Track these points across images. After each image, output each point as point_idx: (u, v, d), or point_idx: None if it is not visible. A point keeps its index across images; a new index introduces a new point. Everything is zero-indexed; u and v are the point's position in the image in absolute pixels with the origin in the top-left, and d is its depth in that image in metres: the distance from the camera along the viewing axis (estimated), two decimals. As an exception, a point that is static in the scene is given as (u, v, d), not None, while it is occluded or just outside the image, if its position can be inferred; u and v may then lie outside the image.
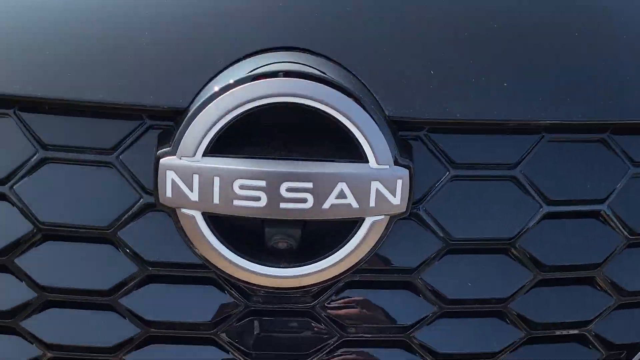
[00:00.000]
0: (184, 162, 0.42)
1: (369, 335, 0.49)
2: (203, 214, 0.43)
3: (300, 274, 0.45)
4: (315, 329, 0.48)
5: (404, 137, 0.46)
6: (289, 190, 0.42)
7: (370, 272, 0.47)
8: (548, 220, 0.48)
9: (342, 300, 0.47)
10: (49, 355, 0.47)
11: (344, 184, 0.42)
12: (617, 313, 0.51)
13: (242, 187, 0.41)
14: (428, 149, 0.47)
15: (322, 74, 0.43)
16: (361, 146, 0.43)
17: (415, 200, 0.46)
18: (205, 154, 0.42)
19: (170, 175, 0.43)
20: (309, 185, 0.42)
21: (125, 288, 0.46)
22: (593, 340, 0.51)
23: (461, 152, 0.47)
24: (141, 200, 0.45)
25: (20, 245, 0.45)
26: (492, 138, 0.48)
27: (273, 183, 0.42)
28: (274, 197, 0.42)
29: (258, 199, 0.42)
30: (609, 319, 0.51)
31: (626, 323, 0.52)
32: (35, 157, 0.45)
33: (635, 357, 0.52)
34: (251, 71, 0.43)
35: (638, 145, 0.50)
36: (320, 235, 0.46)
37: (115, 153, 0.45)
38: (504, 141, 0.48)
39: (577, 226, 0.49)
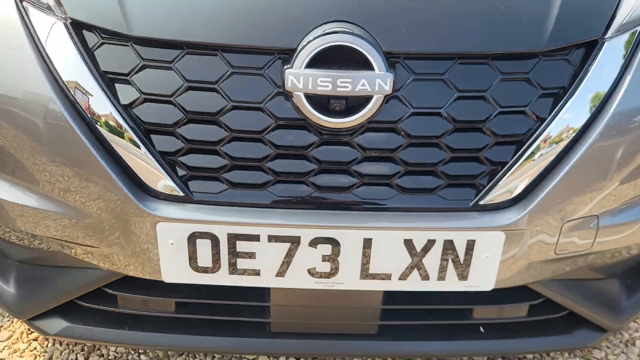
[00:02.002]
0: (296, 71, 0.98)
1: (376, 154, 1.05)
2: (304, 95, 0.99)
3: (345, 121, 1.01)
4: (351, 150, 1.05)
5: (392, 60, 1.01)
6: (341, 82, 0.97)
7: (376, 123, 1.03)
8: (460, 101, 1.03)
9: (363, 135, 1.04)
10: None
11: (364, 79, 0.97)
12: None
13: (321, 81, 0.97)
14: (402, 66, 1.02)
15: (352, 32, 0.98)
16: (371, 64, 0.98)
17: (396, 88, 1.01)
18: (305, 67, 0.98)
19: (290, 77, 0.98)
20: (349, 87, 0.98)
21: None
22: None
23: (418, 67, 1.02)
24: (275, 89, 1.01)
25: None
26: (434, 60, 1.02)
27: (334, 80, 0.97)
28: (334, 86, 0.97)
29: (327, 86, 0.98)
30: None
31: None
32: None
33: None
34: (323, 32, 0.98)
35: (507, 64, 1.04)
36: (355, 106, 1.02)
37: (264, 69, 1.01)
38: (440, 62, 1.03)
39: (474, 103, 1.04)
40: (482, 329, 1.26)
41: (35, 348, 1.70)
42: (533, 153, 1.04)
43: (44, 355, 1.68)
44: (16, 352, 1.68)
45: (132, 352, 1.69)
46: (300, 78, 0.96)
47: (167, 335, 1.22)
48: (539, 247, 1.09)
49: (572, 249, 1.12)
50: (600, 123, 1.04)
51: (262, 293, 1.18)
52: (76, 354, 1.68)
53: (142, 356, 1.68)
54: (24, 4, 1.05)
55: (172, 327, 1.23)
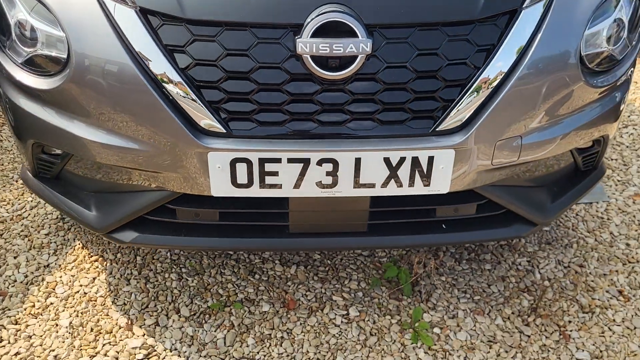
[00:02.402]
0: (304, 39, 1.38)
1: (361, 97, 1.47)
2: (310, 56, 1.40)
3: (339, 74, 1.41)
4: (344, 95, 1.46)
5: (370, 29, 1.42)
6: (335, 47, 1.37)
7: (361, 75, 1.45)
8: (419, 57, 1.45)
9: (352, 84, 1.45)
10: None
11: (352, 44, 1.38)
12: None
13: (322, 46, 1.38)
14: (378, 34, 1.43)
15: (342, 11, 1.39)
16: (356, 32, 1.39)
17: (374, 50, 1.42)
18: (310, 37, 1.38)
19: (300, 44, 1.39)
20: (341, 49, 1.39)
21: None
22: None
23: (389, 34, 1.43)
24: (289, 53, 1.42)
25: None
26: (400, 28, 1.43)
27: (330, 45, 1.38)
28: (331, 49, 1.38)
29: (326, 50, 1.38)
30: None
31: None
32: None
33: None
34: (321, 12, 1.39)
35: (452, 29, 1.45)
36: (345, 63, 1.42)
37: (280, 39, 1.42)
38: (405, 30, 1.44)
39: (430, 58, 1.46)
40: (444, 226, 1.72)
41: (97, 267, 2.14)
42: (473, 92, 1.47)
43: (105, 272, 2.12)
44: (82, 270, 2.13)
45: (175, 266, 2.14)
46: (307, 45, 1.38)
47: (211, 239, 1.66)
48: (479, 160, 1.54)
49: (503, 160, 1.56)
50: (518, 69, 1.47)
51: (282, 203, 1.61)
52: (130, 270, 2.13)
53: (182, 269, 2.13)
54: (102, -3, 1.45)
55: (215, 232, 1.67)
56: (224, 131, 1.47)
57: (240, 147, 1.47)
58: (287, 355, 1.83)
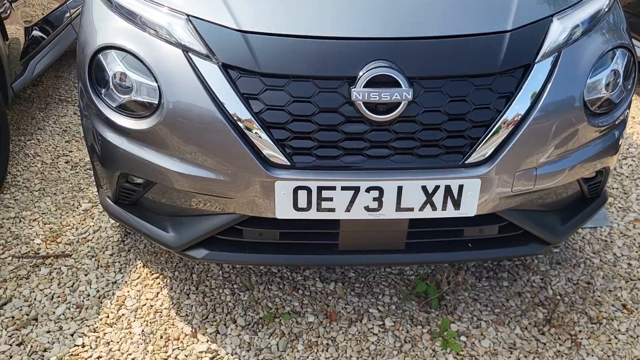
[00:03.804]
0: (358, 89, 1.67)
1: (403, 135, 1.76)
2: (363, 103, 1.70)
3: (386, 117, 1.70)
4: (389, 133, 1.75)
5: (411, 81, 1.71)
6: (383, 95, 1.68)
7: (403, 117, 1.75)
8: (451, 102, 1.75)
9: (396, 125, 1.74)
10: None
11: (397, 92, 1.68)
12: None
13: (372, 94, 1.69)
14: (417, 84, 1.73)
15: (388, 66, 1.70)
16: (400, 83, 1.68)
17: (414, 97, 1.72)
18: (363, 87, 1.68)
19: (354, 93, 1.69)
20: (388, 97, 1.70)
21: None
22: None
23: (426, 84, 1.74)
24: (344, 100, 1.72)
25: None
26: (435, 80, 1.74)
27: (379, 94, 1.68)
28: (380, 97, 1.69)
29: (376, 97, 1.69)
30: None
31: None
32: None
33: None
34: (371, 67, 1.70)
35: (478, 80, 1.77)
36: (390, 108, 1.73)
37: (337, 89, 1.72)
38: (439, 81, 1.75)
39: (460, 103, 1.76)
40: (470, 245, 2.00)
41: (159, 283, 2.42)
42: (495, 131, 1.77)
43: (166, 287, 2.40)
44: (146, 286, 2.41)
45: (227, 282, 2.42)
46: (360, 93, 1.69)
47: (272, 255, 1.95)
48: (501, 187, 1.83)
49: (521, 188, 1.85)
50: (533, 112, 1.78)
51: (334, 224, 1.90)
52: (189, 285, 2.41)
53: (234, 285, 2.41)
54: (190, 55, 1.77)
55: (275, 249, 1.96)
56: (289, 164, 1.77)
57: (302, 177, 1.76)
58: (334, 359, 2.09)
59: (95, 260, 2.55)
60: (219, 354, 2.09)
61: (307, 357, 2.10)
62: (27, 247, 2.62)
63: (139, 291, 2.37)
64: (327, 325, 2.23)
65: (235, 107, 1.73)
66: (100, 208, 2.91)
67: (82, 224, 2.78)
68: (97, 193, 3.01)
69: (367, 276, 2.48)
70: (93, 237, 2.69)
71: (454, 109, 1.75)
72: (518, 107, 1.77)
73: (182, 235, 1.96)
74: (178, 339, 2.15)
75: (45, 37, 3.78)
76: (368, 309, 2.32)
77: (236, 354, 2.10)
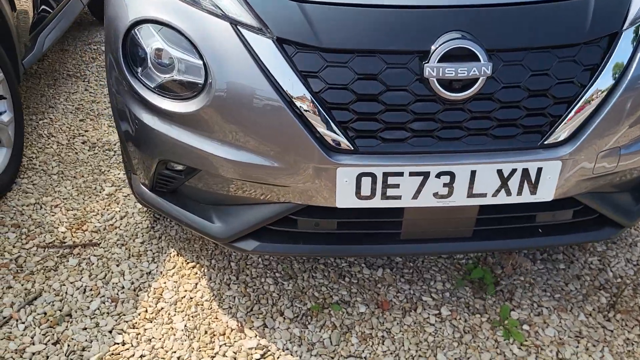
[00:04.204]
0: (432, 64, 1.50)
1: (478, 115, 1.60)
2: (436, 79, 1.53)
3: (463, 94, 1.54)
4: (463, 113, 1.59)
5: (490, 54, 1.55)
6: (460, 70, 1.52)
7: (480, 94, 1.58)
8: (532, 77, 1.58)
9: (471, 103, 1.58)
10: None
11: (475, 67, 1.51)
12: None
13: (448, 70, 1.51)
14: (496, 57, 1.56)
15: (465, 37, 1.51)
16: (478, 57, 1.51)
17: (493, 72, 1.55)
18: (438, 62, 1.51)
19: (427, 69, 1.51)
20: (465, 72, 1.53)
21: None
22: None
23: (506, 57, 1.57)
24: (415, 77, 1.55)
25: None
26: (515, 52, 1.57)
27: (456, 69, 1.51)
28: (456, 72, 1.52)
29: (452, 73, 1.52)
30: None
31: None
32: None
33: None
34: (447, 39, 1.52)
35: (561, 51, 1.59)
36: (465, 84, 1.56)
37: (407, 64, 1.55)
38: (519, 53, 1.57)
39: (542, 78, 1.59)
40: (540, 230, 1.85)
41: (197, 273, 2.28)
42: (579, 108, 1.60)
43: (204, 278, 2.26)
44: (183, 276, 2.26)
45: (269, 271, 2.28)
46: (434, 69, 1.51)
47: (329, 246, 1.80)
48: (582, 169, 1.67)
49: (603, 170, 1.69)
50: (620, 86, 1.61)
51: (398, 212, 1.74)
52: (228, 275, 2.27)
53: (276, 274, 2.27)
54: (239, 28, 1.58)
55: (331, 240, 1.81)
56: (352, 148, 1.60)
57: (366, 163, 1.60)
58: (391, 353, 1.96)
59: (126, 249, 2.40)
60: (269, 350, 1.96)
61: (363, 350, 1.97)
62: (51, 235, 2.46)
63: (176, 282, 2.23)
64: (380, 316, 2.10)
65: (293, 86, 1.55)
66: (125, 192, 2.74)
67: (108, 210, 2.62)
68: (123, 177, 2.84)
69: (416, 261, 2.34)
70: (121, 224, 2.54)
71: (535, 84, 1.57)
72: (604, 80, 1.60)
73: (230, 225, 1.81)
74: (224, 334, 2.01)
75: (53, 9, 3.55)
76: (421, 296, 2.18)
77: (287, 349, 1.96)
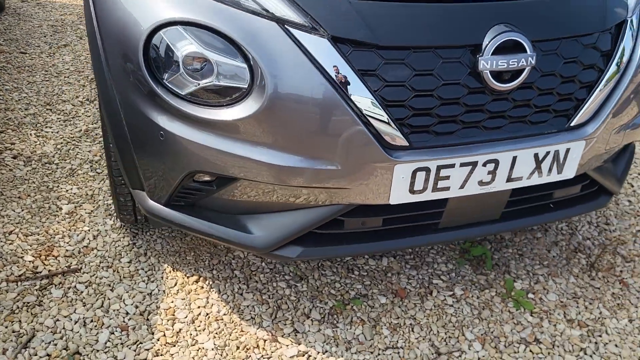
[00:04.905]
0: (486, 57, 1.55)
1: (520, 103, 1.68)
2: (489, 72, 1.58)
3: (511, 85, 1.60)
4: (507, 102, 1.66)
5: (533, 45, 1.63)
6: (511, 61, 1.58)
7: (522, 83, 1.66)
8: (564, 64, 1.70)
9: (514, 93, 1.65)
10: None
11: (523, 58, 1.59)
12: None
13: (500, 62, 1.57)
14: (538, 48, 1.65)
15: (514, 30, 1.57)
16: (525, 48, 1.59)
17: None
18: (491, 55, 1.57)
19: (482, 61, 1.56)
20: (516, 64, 1.59)
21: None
22: None
23: (543, 46, 1.66)
24: (467, 70, 1.59)
25: None
26: (550, 41, 1.67)
27: (507, 60, 1.57)
28: (508, 64, 1.58)
29: (504, 65, 1.58)
30: None
31: None
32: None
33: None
34: (498, 32, 1.57)
35: (586, 38, 1.72)
36: (512, 74, 1.63)
37: (460, 58, 1.57)
38: (554, 42, 1.67)
39: (572, 65, 1.71)
40: (551, 206, 2.00)
41: (202, 287, 2.15)
42: (598, 90, 1.75)
43: (213, 291, 2.14)
44: (190, 292, 2.13)
45: (277, 274, 2.22)
46: (488, 61, 1.56)
47: (374, 243, 1.79)
48: (598, 147, 1.83)
49: (613, 145, 1.87)
50: (630, 69, 1.78)
51: (440, 204, 1.78)
52: (238, 285, 2.17)
53: (286, 276, 2.21)
54: (288, 28, 1.50)
55: (374, 237, 1.80)
56: (407, 144, 1.60)
57: (422, 157, 1.61)
58: (424, 339, 2.01)
59: (114, 271, 2.19)
60: (310, 355, 1.91)
61: (397, 340, 2.00)
62: (18, 267, 2.17)
63: (185, 299, 2.08)
64: (401, 304, 2.14)
65: (353, 86, 1.52)
66: (87, 208, 2.49)
67: (75, 230, 2.37)
68: (78, 193, 2.57)
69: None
70: (97, 244, 2.31)
71: (567, 70, 1.69)
72: (616, 64, 1.76)
73: (271, 234, 1.73)
74: (257, 346, 1.93)
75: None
76: (431, 280, 2.26)
77: (327, 351, 1.94)
